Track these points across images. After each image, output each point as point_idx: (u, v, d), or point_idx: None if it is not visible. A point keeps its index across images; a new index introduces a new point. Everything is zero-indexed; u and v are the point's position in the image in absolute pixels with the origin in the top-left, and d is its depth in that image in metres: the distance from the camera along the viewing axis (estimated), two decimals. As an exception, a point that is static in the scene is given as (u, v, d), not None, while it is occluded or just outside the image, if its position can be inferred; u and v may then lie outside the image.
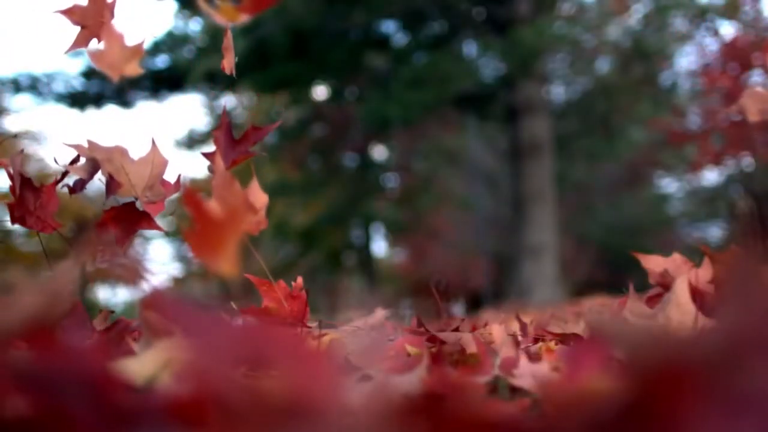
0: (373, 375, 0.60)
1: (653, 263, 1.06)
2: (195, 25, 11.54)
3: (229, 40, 0.98)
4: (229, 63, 1.00)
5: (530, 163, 10.07)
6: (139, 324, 0.90)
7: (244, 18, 0.78)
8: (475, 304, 11.63)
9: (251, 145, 1.09)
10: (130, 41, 0.93)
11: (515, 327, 1.04)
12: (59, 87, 11.08)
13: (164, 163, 1.04)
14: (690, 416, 0.29)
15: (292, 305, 1.04)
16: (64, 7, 0.99)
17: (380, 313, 1.17)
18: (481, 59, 11.12)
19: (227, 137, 1.08)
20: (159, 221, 1.11)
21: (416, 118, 10.25)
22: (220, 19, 0.74)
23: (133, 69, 0.94)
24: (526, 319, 1.13)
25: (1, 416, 0.32)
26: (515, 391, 0.65)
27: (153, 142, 1.03)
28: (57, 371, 0.33)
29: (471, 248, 15.63)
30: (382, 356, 0.60)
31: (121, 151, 1.01)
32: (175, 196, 1.11)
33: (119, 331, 0.91)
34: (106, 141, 1.01)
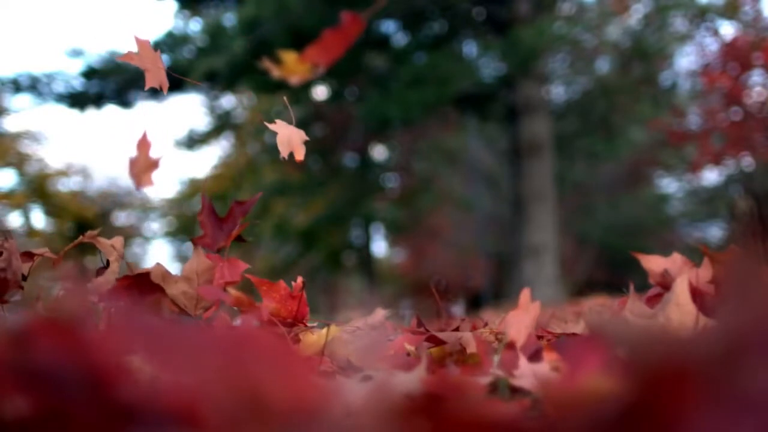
0: (374, 375, 0.60)
1: (653, 263, 1.06)
2: (195, 25, 11.55)
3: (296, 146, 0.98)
4: (299, 155, 0.99)
5: (530, 163, 10.07)
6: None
7: (318, 71, 0.73)
8: (475, 304, 11.64)
9: (238, 220, 1.06)
10: (153, 153, 0.94)
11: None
12: (59, 87, 11.09)
13: (209, 266, 0.98)
14: (690, 416, 0.29)
15: (292, 305, 1.04)
16: (124, 55, 1.00)
17: (380, 313, 1.17)
18: (481, 59, 11.12)
19: (212, 220, 1.06)
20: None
21: (416, 118, 10.25)
22: (294, 80, 0.70)
23: (147, 181, 0.94)
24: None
25: (2, 415, 0.32)
26: (515, 391, 0.65)
27: (194, 245, 0.99)
28: (59, 369, 0.33)
29: (471, 248, 15.64)
30: (382, 356, 0.60)
31: (162, 274, 0.96)
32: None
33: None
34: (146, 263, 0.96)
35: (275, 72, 0.68)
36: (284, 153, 1.00)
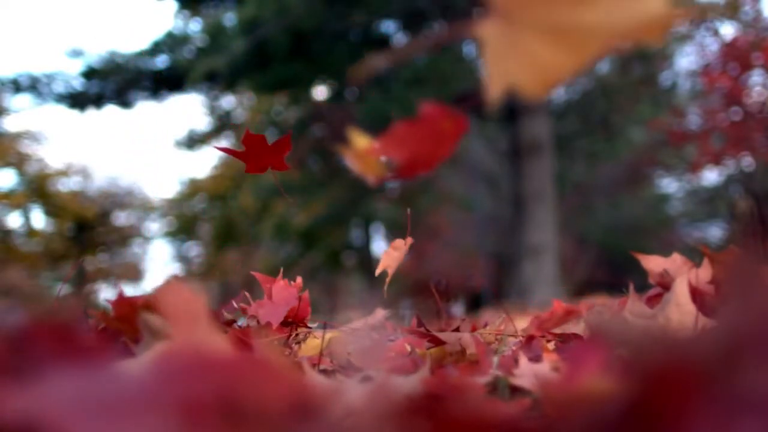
0: (374, 376, 0.60)
1: (653, 263, 1.06)
2: (195, 25, 11.55)
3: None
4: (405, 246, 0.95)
5: (530, 163, 10.07)
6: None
7: (394, 168, 0.63)
8: (475, 304, 11.63)
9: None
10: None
11: (516, 326, 1.04)
12: (59, 87, 11.09)
13: None
14: (690, 416, 0.29)
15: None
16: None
17: (380, 314, 1.17)
18: (481, 59, 11.12)
19: None
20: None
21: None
22: (371, 180, 0.60)
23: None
24: (526, 319, 1.13)
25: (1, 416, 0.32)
26: (515, 391, 0.65)
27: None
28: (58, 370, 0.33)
29: (471, 248, 15.63)
30: (383, 357, 0.60)
31: None
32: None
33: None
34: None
35: (355, 166, 0.58)
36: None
